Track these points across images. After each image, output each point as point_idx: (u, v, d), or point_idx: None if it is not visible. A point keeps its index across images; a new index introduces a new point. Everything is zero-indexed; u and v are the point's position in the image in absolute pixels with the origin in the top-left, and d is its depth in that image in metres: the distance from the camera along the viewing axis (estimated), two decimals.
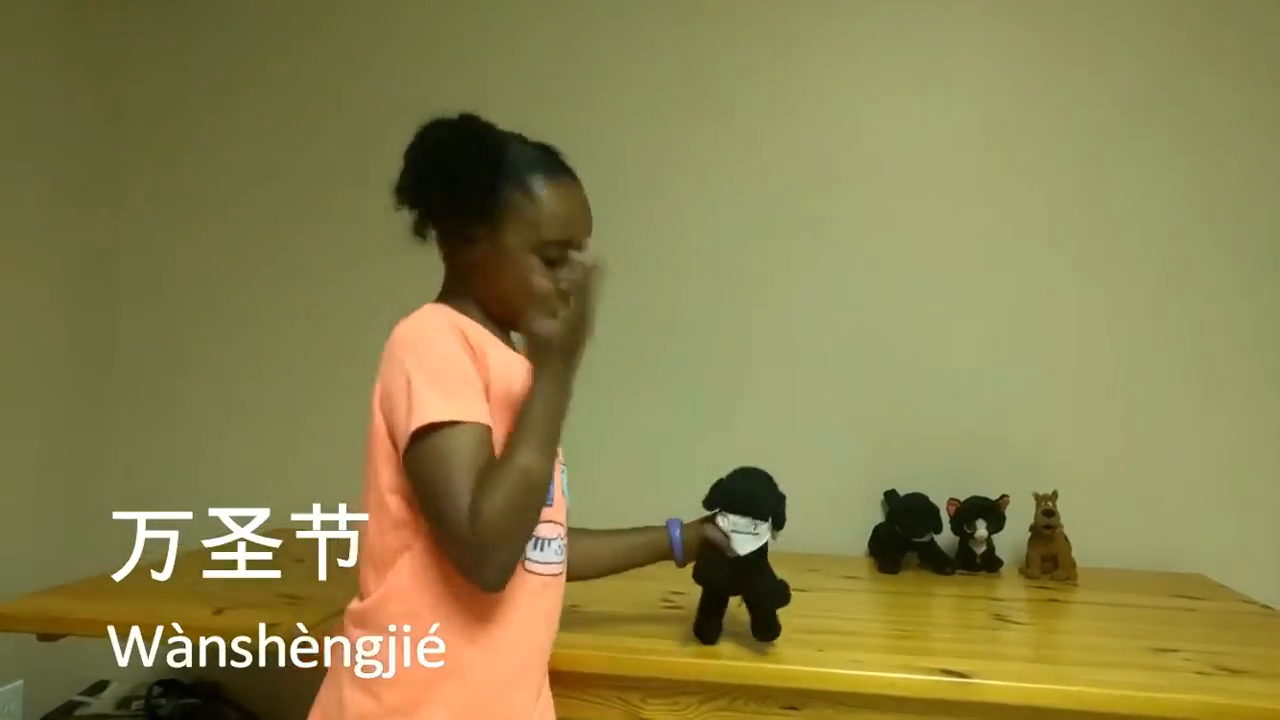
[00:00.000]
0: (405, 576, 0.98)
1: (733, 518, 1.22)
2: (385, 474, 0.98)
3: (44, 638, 1.45)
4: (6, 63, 2.03)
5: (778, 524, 1.24)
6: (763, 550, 1.23)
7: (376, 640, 0.98)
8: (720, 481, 1.28)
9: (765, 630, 1.26)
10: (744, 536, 1.21)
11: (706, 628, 1.29)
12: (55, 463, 2.19)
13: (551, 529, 1.06)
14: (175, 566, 1.73)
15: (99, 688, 2.14)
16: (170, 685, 2.08)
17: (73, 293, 2.25)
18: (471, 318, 1.03)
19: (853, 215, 2.07)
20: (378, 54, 2.26)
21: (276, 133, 2.30)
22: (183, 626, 1.41)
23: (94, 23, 2.27)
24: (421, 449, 0.91)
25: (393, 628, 0.97)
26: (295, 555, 1.84)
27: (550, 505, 1.06)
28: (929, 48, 2.06)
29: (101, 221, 2.32)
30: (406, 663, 0.97)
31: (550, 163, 1.07)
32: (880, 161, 2.06)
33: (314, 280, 2.27)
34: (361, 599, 1.03)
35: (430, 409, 0.91)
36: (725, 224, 2.12)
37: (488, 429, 0.93)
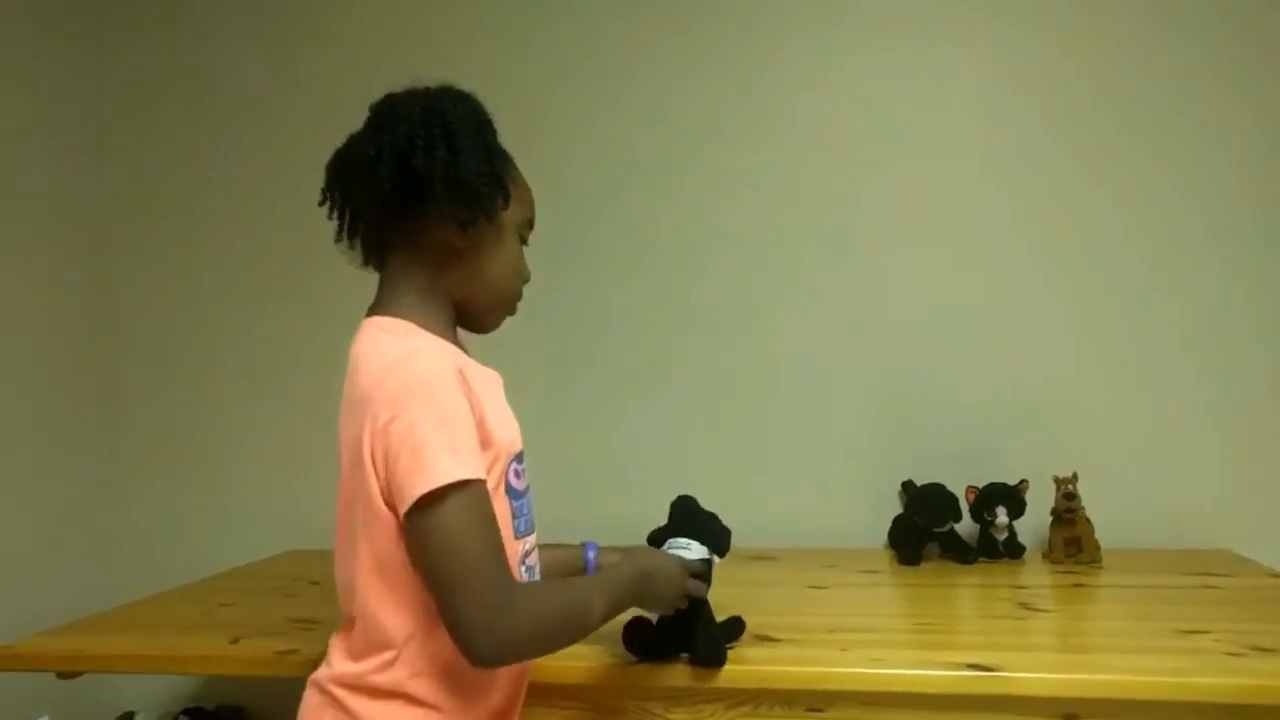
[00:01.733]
0: (428, 639, 0.93)
1: (673, 538, 1.21)
2: (379, 536, 0.91)
3: (62, 675, 1.45)
4: None
5: (716, 548, 1.22)
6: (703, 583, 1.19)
7: (395, 703, 0.93)
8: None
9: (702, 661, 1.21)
10: (676, 551, 1.19)
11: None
12: (65, 495, 2.19)
13: (534, 557, 1.07)
14: (187, 597, 1.74)
15: (126, 719, 2.15)
16: (195, 713, 2.09)
17: (72, 323, 2.24)
18: (432, 322, 0.98)
19: (867, 203, 2.04)
20: (377, 72, 2.25)
21: (270, 157, 2.29)
22: (199, 659, 1.39)
23: (71, 57, 2.27)
24: (439, 514, 0.86)
25: (416, 689, 0.93)
26: (310, 579, 1.86)
27: (530, 533, 1.05)
28: (963, 23, 2.02)
29: (92, 255, 2.32)
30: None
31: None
32: (897, 147, 2.03)
33: (316, 305, 2.26)
34: (356, 659, 0.95)
35: (443, 470, 0.86)
36: (741, 212, 2.09)
37: (484, 482, 0.91)
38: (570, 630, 0.95)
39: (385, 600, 0.93)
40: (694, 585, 1.13)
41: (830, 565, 1.80)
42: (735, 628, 1.30)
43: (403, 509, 0.87)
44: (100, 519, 2.28)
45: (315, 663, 1.30)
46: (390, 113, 0.97)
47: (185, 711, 2.08)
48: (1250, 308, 1.91)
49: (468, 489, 0.87)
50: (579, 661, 1.22)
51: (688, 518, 1.24)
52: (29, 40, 2.12)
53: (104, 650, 1.42)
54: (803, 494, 2.02)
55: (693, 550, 1.19)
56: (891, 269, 2.04)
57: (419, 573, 0.90)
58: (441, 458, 0.86)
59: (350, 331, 2.24)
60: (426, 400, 0.88)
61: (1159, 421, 1.94)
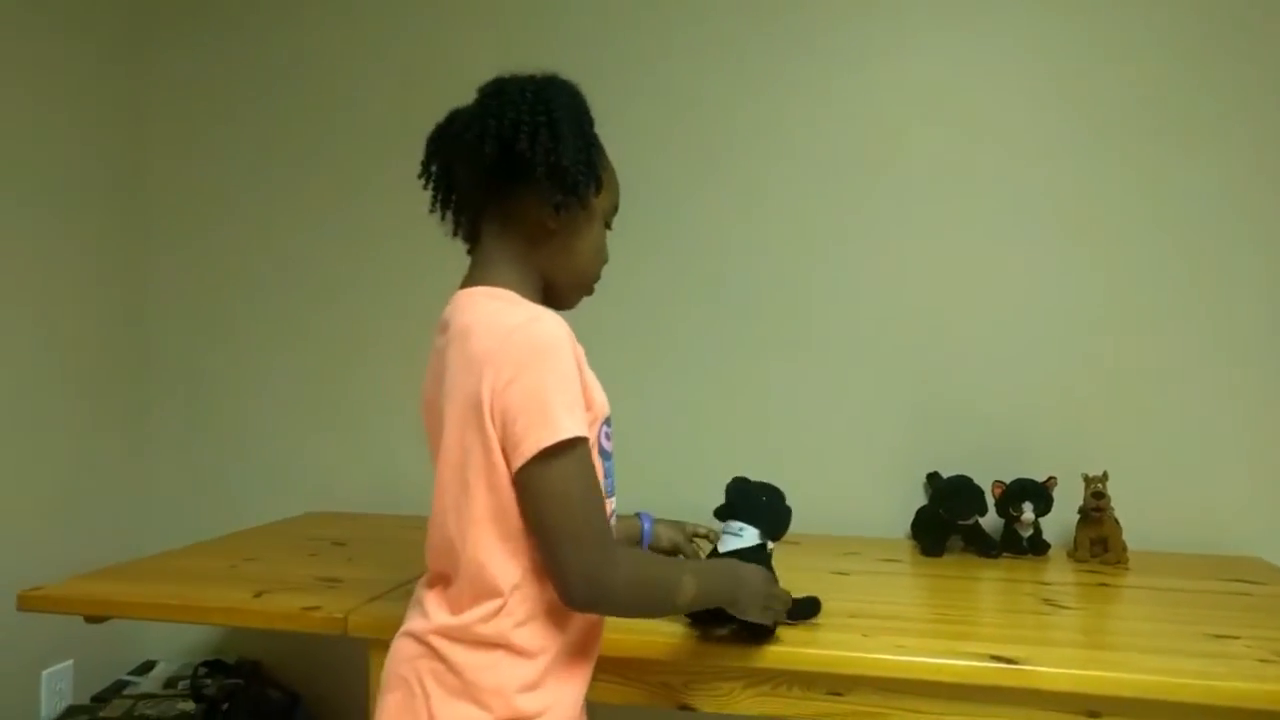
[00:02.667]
0: (532, 586, 0.98)
1: (728, 521, 1.23)
2: (499, 489, 0.96)
3: (90, 619, 1.47)
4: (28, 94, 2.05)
5: (770, 533, 1.23)
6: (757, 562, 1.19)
7: (497, 653, 0.97)
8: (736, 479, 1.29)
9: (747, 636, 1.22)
10: (728, 537, 1.22)
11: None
12: (94, 450, 2.22)
13: (613, 518, 1.10)
14: (213, 550, 1.76)
15: (147, 667, 2.19)
16: (215, 665, 2.12)
17: (104, 287, 2.27)
18: (526, 293, 1.03)
19: (902, 194, 2.02)
20: (397, 41, 2.25)
21: (301, 137, 2.29)
22: (224, 610, 1.40)
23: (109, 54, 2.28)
24: (553, 467, 0.92)
25: (518, 639, 0.97)
26: (333, 539, 1.87)
27: (612, 496, 1.09)
28: (1009, 12, 1.98)
29: (126, 225, 2.34)
30: (536, 672, 0.98)
31: None
32: (936, 138, 2.00)
33: (339, 272, 2.27)
34: (458, 612, 0.99)
35: (562, 426, 0.92)
36: (775, 199, 2.07)
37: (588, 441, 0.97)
38: (657, 599, 1.02)
39: (496, 550, 0.97)
40: (778, 603, 1.15)
41: (852, 553, 1.80)
42: (809, 606, 1.29)
43: (519, 462, 0.92)
44: (128, 475, 2.31)
45: (338, 621, 1.33)
46: (499, 96, 1.02)
47: (205, 663, 2.11)
48: None
49: (579, 446, 0.94)
50: (604, 634, 1.22)
51: (741, 501, 1.24)
52: (65, 40, 2.13)
53: (132, 597, 1.44)
54: (828, 481, 2.01)
55: (745, 536, 1.20)
56: (926, 260, 2.01)
57: (527, 521, 0.95)
58: (561, 415, 0.92)
59: (373, 294, 2.24)
60: (548, 362, 0.94)
61: (1192, 423, 1.91)
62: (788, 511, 1.25)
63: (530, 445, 0.91)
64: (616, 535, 1.22)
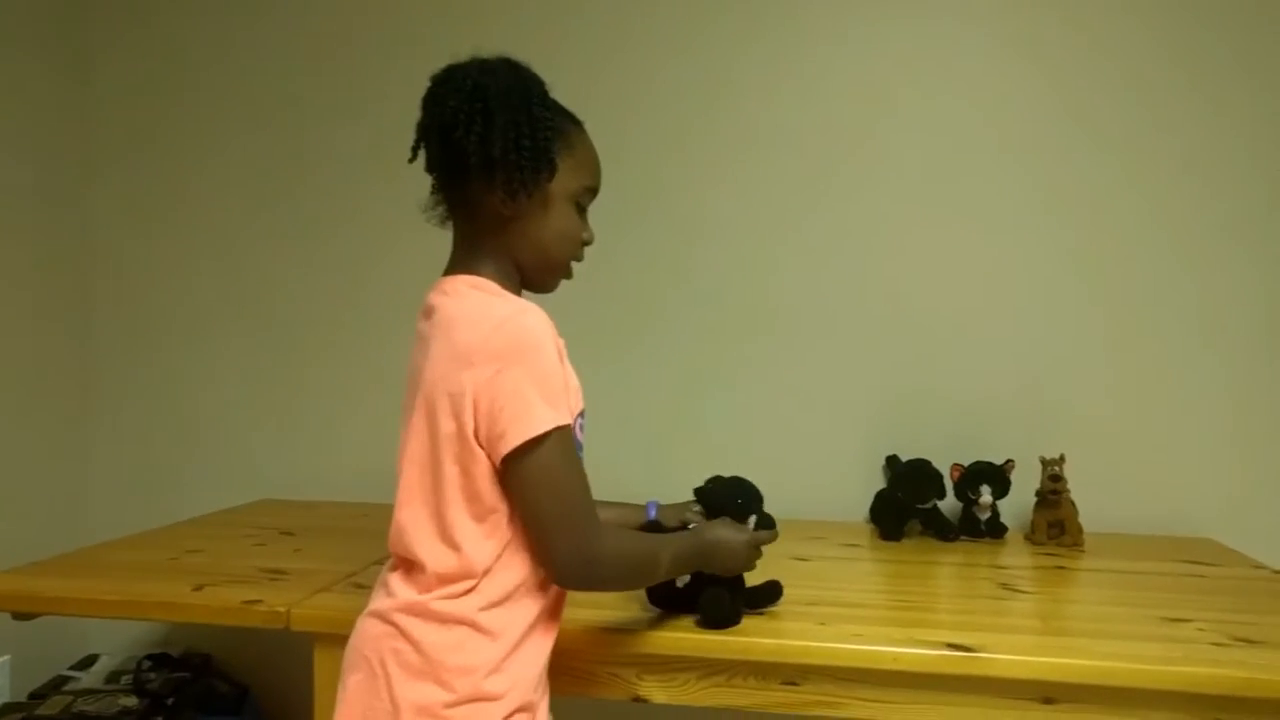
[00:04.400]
0: (503, 570, 1.00)
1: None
2: (474, 473, 0.98)
3: (19, 616, 1.41)
4: None
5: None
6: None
7: (462, 630, 0.98)
8: (706, 483, 1.29)
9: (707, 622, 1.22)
10: None
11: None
12: (31, 436, 2.14)
13: None
14: (155, 541, 1.70)
15: (88, 662, 2.12)
16: (160, 659, 2.06)
17: (48, 270, 2.17)
18: (506, 281, 1.04)
19: (868, 180, 2.00)
20: (337, 30, 2.17)
21: (250, 107, 2.22)
22: (162, 605, 1.35)
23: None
24: (537, 456, 0.95)
25: (484, 620, 0.99)
26: (282, 528, 1.82)
27: None
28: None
29: (71, 208, 2.25)
30: (501, 653, 0.99)
31: (567, 110, 1.08)
32: (903, 122, 1.98)
33: (290, 258, 2.21)
34: (423, 591, 1.00)
35: (543, 418, 0.95)
36: (739, 183, 2.04)
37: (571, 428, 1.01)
38: (640, 572, 1.09)
39: (471, 532, 0.98)
40: (759, 553, 1.20)
41: (814, 537, 1.78)
42: (768, 593, 1.29)
43: (505, 450, 0.95)
44: (68, 462, 2.23)
45: (280, 615, 1.29)
46: (443, 84, 1.02)
47: (150, 656, 2.05)
48: (1246, 297, 1.88)
49: (561, 433, 0.97)
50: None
51: (716, 508, 1.24)
52: (6, 36, 2.04)
53: (62, 592, 1.38)
54: (791, 464, 2.00)
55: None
56: (888, 246, 1.99)
57: (515, 509, 0.99)
58: (543, 406, 0.95)
59: (326, 279, 2.20)
60: (531, 356, 0.96)
61: (1148, 407, 1.91)
62: (759, 500, 1.26)
63: (514, 436, 0.94)
64: (622, 524, 1.27)
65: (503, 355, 0.95)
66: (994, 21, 1.95)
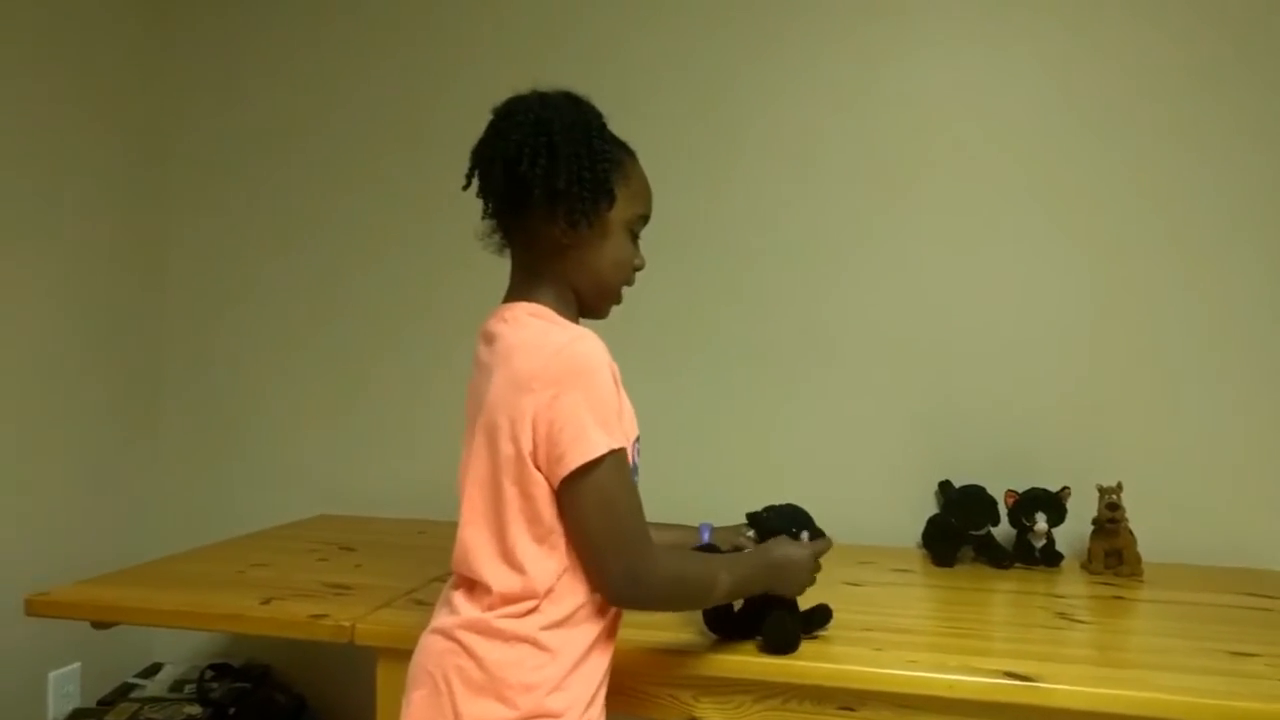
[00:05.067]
0: (565, 590, 1.02)
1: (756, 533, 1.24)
2: (533, 495, 1.00)
3: (97, 625, 1.46)
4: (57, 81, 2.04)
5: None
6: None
7: (525, 648, 1.01)
8: (761, 511, 1.29)
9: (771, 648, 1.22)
10: None
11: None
12: (102, 451, 2.22)
13: None
14: (221, 554, 1.76)
15: (153, 670, 2.18)
16: (222, 669, 2.11)
17: (119, 283, 2.26)
18: (563, 308, 1.08)
19: (917, 202, 2.00)
20: (422, 35, 2.24)
21: (325, 127, 2.29)
22: (230, 617, 1.39)
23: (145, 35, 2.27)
24: (593, 478, 0.98)
25: (546, 639, 1.01)
26: (342, 544, 1.87)
27: None
28: (1021, 24, 1.97)
29: (140, 227, 2.33)
30: (562, 672, 1.01)
31: (621, 140, 1.11)
32: (950, 148, 1.99)
33: (354, 274, 2.27)
34: (489, 609, 1.02)
35: (599, 442, 0.98)
36: (789, 207, 2.06)
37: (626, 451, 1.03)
38: (694, 594, 1.10)
39: (535, 555, 1.01)
40: (819, 566, 1.21)
41: (864, 562, 1.78)
42: (820, 616, 1.29)
43: (563, 473, 0.98)
44: (137, 478, 2.31)
45: (346, 629, 1.32)
46: (506, 118, 1.05)
47: (212, 666, 2.10)
48: None
49: (616, 456, 1.00)
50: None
51: (778, 523, 1.25)
52: (89, 24, 2.13)
53: (137, 603, 1.44)
54: (841, 488, 1.99)
55: None
56: (940, 269, 2.00)
57: (569, 529, 1.01)
58: (599, 431, 0.98)
59: (385, 293, 2.24)
60: (589, 381, 0.99)
61: (1207, 433, 1.88)
62: (812, 525, 1.26)
63: (572, 459, 0.97)
64: (671, 542, 1.29)
65: (560, 380, 0.98)
66: (1032, 55, 1.96)
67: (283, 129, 2.31)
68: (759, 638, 1.22)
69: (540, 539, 1.01)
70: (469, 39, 2.20)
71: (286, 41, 2.31)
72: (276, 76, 2.31)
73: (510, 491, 1.01)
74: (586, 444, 0.97)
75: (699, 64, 2.10)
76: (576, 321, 1.09)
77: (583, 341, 1.01)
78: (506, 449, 1.00)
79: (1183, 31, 1.90)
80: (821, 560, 1.21)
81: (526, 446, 0.99)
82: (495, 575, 1.02)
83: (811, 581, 1.20)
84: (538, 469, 0.99)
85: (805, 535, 1.23)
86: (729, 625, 1.25)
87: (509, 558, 1.01)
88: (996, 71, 1.98)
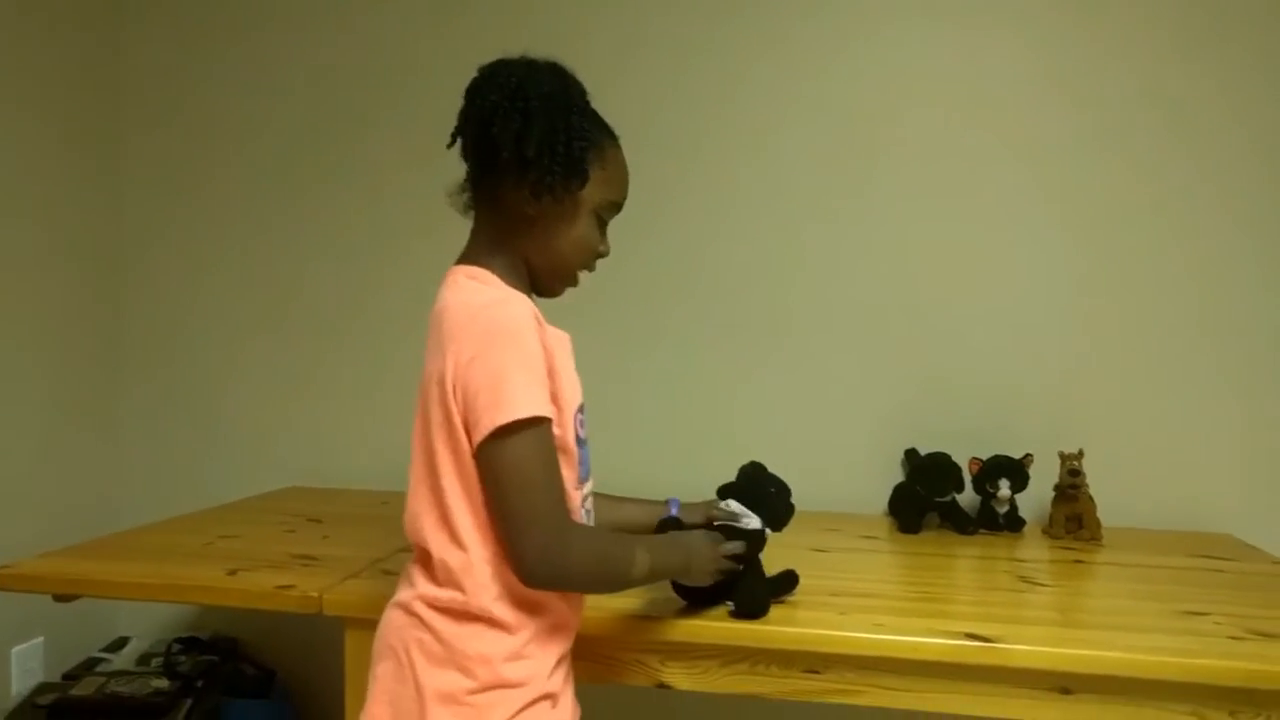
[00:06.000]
0: (505, 560, 0.99)
1: (730, 503, 1.22)
2: (465, 462, 0.98)
3: (60, 598, 1.45)
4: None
5: (772, 521, 1.23)
6: (753, 547, 1.22)
7: (479, 623, 0.99)
8: (731, 483, 1.28)
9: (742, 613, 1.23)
10: (727, 514, 1.22)
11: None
12: (66, 422, 2.18)
13: (590, 501, 1.13)
14: (188, 526, 1.74)
15: (119, 644, 2.17)
16: (189, 642, 2.10)
17: (78, 262, 2.21)
18: (510, 277, 1.04)
19: (885, 173, 2.01)
20: (372, 27, 2.19)
21: (280, 97, 2.25)
22: (198, 588, 1.38)
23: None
24: (508, 446, 0.94)
25: (499, 611, 0.99)
26: (310, 516, 1.86)
27: (589, 480, 1.12)
28: None
29: (104, 200, 2.28)
30: (520, 642, 1.00)
31: (606, 123, 1.09)
32: (919, 118, 1.99)
33: (319, 246, 2.24)
34: (440, 585, 1.01)
35: (515, 407, 0.94)
36: (757, 176, 2.06)
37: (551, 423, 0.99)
38: (612, 575, 1.04)
39: (472, 524, 0.99)
40: (726, 563, 1.18)
41: (831, 529, 1.80)
42: (787, 581, 1.30)
43: (477, 439, 0.95)
44: (102, 449, 2.27)
45: (314, 600, 1.32)
46: (488, 79, 1.02)
47: (179, 640, 2.09)
48: (1268, 296, 1.89)
49: (537, 426, 0.95)
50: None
51: (750, 486, 1.24)
52: (44, 25, 2.08)
53: (102, 575, 1.42)
54: (808, 457, 2.01)
55: (743, 520, 1.20)
56: (906, 239, 2.01)
57: (486, 500, 0.97)
58: (518, 394, 0.94)
59: (352, 267, 2.23)
60: (509, 342, 0.96)
61: (1166, 402, 1.92)
62: (791, 509, 1.26)
63: (487, 423, 0.94)
64: (637, 528, 1.28)
65: (480, 341, 0.96)
66: (1006, 23, 1.96)
67: (239, 118, 2.26)
68: (730, 604, 1.23)
69: (478, 510, 0.99)
70: (420, 28, 2.16)
71: (236, 35, 2.26)
72: (229, 69, 2.27)
73: (444, 459, 0.99)
74: (501, 408, 0.93)
75: (663, 42, 2.08)
76: (523, 290, 1.06)
77: (507, 304, 0.98)
78: (437, 414, 0.98)
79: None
80: (728, 554, 1.18)
81: (454, 410, 0.96)
82: (439, 544, 1.00)
83: (714, 575, 1.16)
84: (465, 433, 0.97)
85: (747, 519, 1.21)
86: (698, 592, 1.25)
87: (450, 529, 0.99)
88: (965, 44, 1.98)
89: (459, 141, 1.05)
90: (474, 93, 1.03)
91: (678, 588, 1.26)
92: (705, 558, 1.15)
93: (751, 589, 1.22)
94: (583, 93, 1.05)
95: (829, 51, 2.03)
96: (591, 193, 1.05)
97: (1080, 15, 1.93)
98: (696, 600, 1.26)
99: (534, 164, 1.00)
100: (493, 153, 1.00)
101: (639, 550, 1.05)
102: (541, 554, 0.95)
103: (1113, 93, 1.93)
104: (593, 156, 1.04)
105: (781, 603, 1.29)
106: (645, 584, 1.09)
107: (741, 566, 1.20)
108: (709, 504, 1.32)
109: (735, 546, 1.18)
